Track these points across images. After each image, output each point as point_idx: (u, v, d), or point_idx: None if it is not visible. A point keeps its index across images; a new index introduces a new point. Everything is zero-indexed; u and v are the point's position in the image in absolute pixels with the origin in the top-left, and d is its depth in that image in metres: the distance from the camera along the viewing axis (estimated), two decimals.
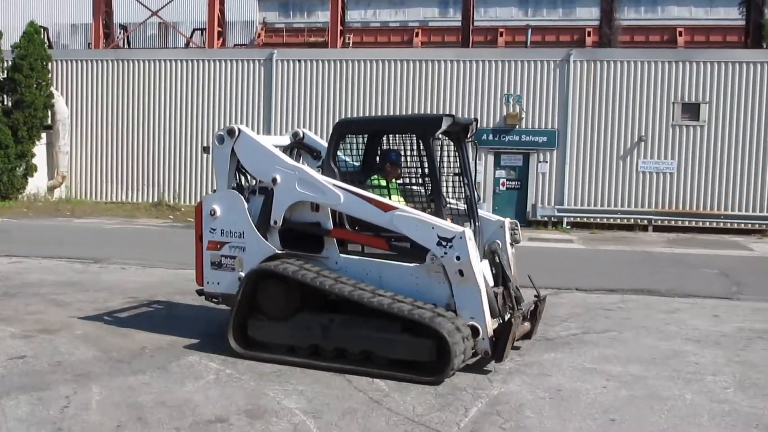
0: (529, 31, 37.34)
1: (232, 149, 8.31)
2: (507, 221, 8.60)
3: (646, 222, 24.32)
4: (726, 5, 41.19)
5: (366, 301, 7.26)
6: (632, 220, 24.56)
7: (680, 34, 38.17)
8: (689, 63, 24.59)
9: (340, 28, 33.96)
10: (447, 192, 8.08)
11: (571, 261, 17.49)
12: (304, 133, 9.36)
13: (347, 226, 7.95)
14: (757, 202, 24.17)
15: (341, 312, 7.70)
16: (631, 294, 12.39)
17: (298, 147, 9.28)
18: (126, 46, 39.84)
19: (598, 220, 24.66)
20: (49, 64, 27.81)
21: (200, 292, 8.76)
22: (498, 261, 7.99)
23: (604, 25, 34.98)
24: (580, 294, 12.33)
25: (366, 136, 8.73)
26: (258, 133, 27.57)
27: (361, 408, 6.45)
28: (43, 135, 27.60)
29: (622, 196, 24.80)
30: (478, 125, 8.86)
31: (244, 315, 7.95)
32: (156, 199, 27.55)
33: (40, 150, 27.53)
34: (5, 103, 27.28)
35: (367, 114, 25.84)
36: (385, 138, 8.74)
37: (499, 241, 8.31)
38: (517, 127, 25.17)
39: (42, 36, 28.97)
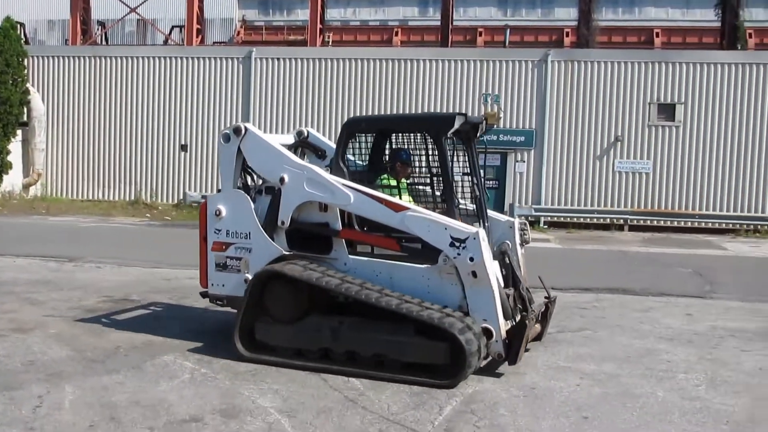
0: (508, 31, 37.55)
1: (239, 148, 8.14)
2: (517, 221, 8.53)
3: (622, 221, 24.54)
4: (702, 7, 41.60)
5: (382, 304, 7.11)
6: (608, 220, 24.77)
7: (657, 35, 38.54)
8: (665, 64, 24.84)
9: (319, 26, 33.95)
10: (455, 192, 7.91)
11: (547, 260, 17.56)
12: (308, 131, 9.17)
13: (356, 227, 7.82)
14: (731, 202, 24.47)
15: (351, 314, 7.55)
16: (606, 293, 12.50)
17: (303, 146, 9.10)
18: (104, 42, 39.56)
19: (575, 219, 24.84)
20: (26, 60, 27.58)
21: (204, 294, 8.56)
22: (508, 262, 7.87)
23: (582, 25, 35.23)
24: (556, 293, 12.37)
25: (374, 135, 8.52)
26: None
27: (336, 407, 6.45)
28: (19, 132, 27.35)
29: (599, 195, 25.00)
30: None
31: (251, 317, 7.80)
32: (133, 198, 27.38)
33: (15, 147, 27.25)
34: None
35: (346, 113, 25.87)
36: (392, 137, 8.56)
37: (509, 242, 8.21)
38: (495, 126, 25.23)
39: (18, 32, 28.66)
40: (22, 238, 18.17)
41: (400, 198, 7.85)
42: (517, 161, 25.20)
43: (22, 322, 9.26)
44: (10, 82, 26.65)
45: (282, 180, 7.85)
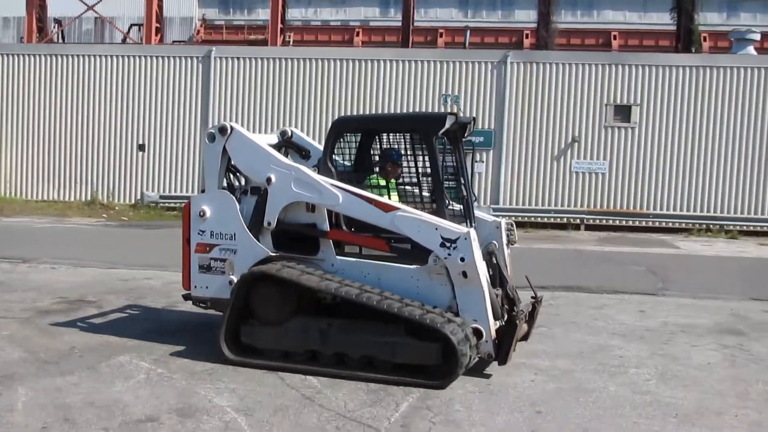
0: (468, 32, 37.85)
1: (224, 147, 8.04)
2: (503, 222, 8.55)
3: (578, 221, 24.86)
4: (658, 11, 42.41)
5: (375, 305, 7.05)
6: (565, 219, 25.08)
7: (615, 38, 39.19)
8: (622, 66, 25.22)
9: (280, 26, 33.88)
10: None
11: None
12: (292, 131, 9.01)
13: (344, 227, 7.77)
14: (685, 202, 24.94)
15: (340, 316, 7.51)
16: (561, 291, 12.67)
17: (287, 146, 8.93)
18: (60, 41, 38.94)
19: (533, 219, 25.09)
20: None
21: (187, 297, 8.43)
22: (495, 262, 7.83)
23: (541, 27, 35.70)
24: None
25: (360, 134, 8.43)
26: (195, 131, 27.29)
27: (294, 405, 6.48)
28: None
29: (556, 195, 25.30)
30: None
31: (237, 320, 7.67)
32: (89, 198, 26.97)
33: None
34: None
35: (306, 113, 25.87)
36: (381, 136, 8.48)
37: (495, 242, 8.21)
38: None
39: None
40: None
41: (389, 198, 7.79)
42: (476, 161, 25.36)
43: None
44: None
45: (269, 180, 7.77)
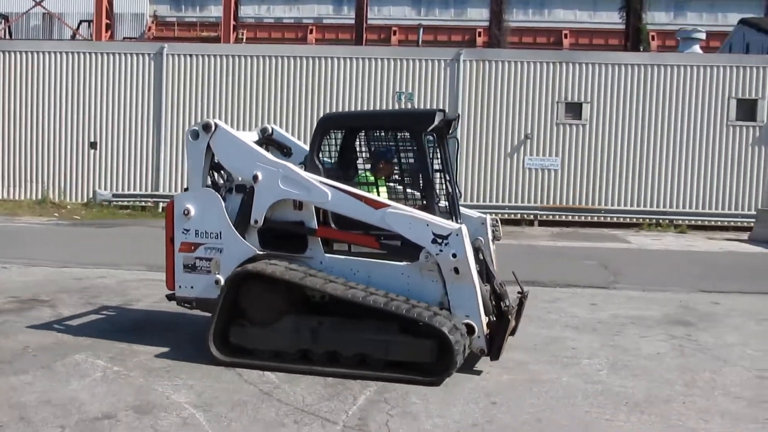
0: (421, 30, 38.08)
1: (208, 145, 7.90)
2: (488, 218, 8.60)
3: (532, 217, 25.25)
4: (608, 10, 43.16)
5: (361, 301, 7.02)
6: (519, 216, 25.41)
7: (566, 37, 39.84)
8: (573, 64, 25.67)
9: (233, 23, 33.67)
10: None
11: None
12: (273, 128, 8.91)
13: (332, 225, 7.68)
14: (635, 198, 25.50)
15: (330, 314, 7.41)
16: (514, 285, 12.82)
17: (267, 143, 8.77)
18: (7, 36, 38.10)
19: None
20: None
21: (171, 297, 8.25)
22: (482, 258, 7.81)
23: (493, 26, 36.10)
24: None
25: (343, 131, 8.27)
26: (148, 129, 26.97)
27: (252, 400, 6.50)
28: None
29: (509, 192, 25.65)
30: None
31: (225, 320, 7.53)
32: (40, 197, 26.53)
33: None
34: None
35: (259, 110, 25.77)
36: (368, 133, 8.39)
37: (481, 238, 8.22)
38: None
39: None
40: None
41: (378, 195, 7.71)
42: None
43: None
44: None
45: (255, 178, 7.65)
